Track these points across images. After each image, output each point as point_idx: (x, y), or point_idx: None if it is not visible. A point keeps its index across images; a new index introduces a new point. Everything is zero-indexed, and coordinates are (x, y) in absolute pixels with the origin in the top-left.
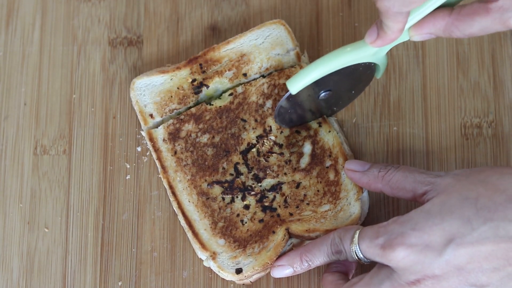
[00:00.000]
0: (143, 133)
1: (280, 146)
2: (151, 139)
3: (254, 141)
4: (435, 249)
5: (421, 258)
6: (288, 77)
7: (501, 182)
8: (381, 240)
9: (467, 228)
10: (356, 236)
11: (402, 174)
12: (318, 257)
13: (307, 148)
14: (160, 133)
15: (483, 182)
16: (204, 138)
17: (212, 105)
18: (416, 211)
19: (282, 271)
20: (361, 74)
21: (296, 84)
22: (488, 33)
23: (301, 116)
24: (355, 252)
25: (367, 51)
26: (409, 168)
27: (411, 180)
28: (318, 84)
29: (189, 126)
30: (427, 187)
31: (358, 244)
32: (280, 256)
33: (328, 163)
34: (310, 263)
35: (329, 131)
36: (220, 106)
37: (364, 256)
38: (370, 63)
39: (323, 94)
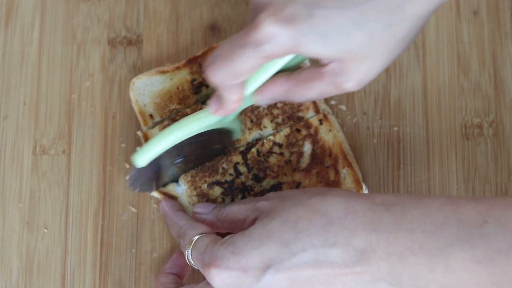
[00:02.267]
0: (139, 134)
1: (280, 146)
2: (147, 140)
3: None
4: (252, 274)
5: (238, 283)
6: None
7: (322, 204)
8: (205, 257)
9: (286, 252)
10: (195, 240)
11: (234, 207)
12: (172, 228)
13: (307, 147)
14: (155, 134)
15: (304, 204)
16: None
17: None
18: (239, 235)
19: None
20: (216, 138)
21: (142, 158)
22: (326, 97)
23: (161, 177)
24: (187, 256)
25: (214, 118)
26: (241, 201)
27: (241, 210)
28: (170, 152)
29: None
30: (255, 213)
31: (191, 250)
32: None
33: (328, 163)
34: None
35: (330, 130)
36: None
37: (193, 263)
38: (220, 128)
39: (178, 161)
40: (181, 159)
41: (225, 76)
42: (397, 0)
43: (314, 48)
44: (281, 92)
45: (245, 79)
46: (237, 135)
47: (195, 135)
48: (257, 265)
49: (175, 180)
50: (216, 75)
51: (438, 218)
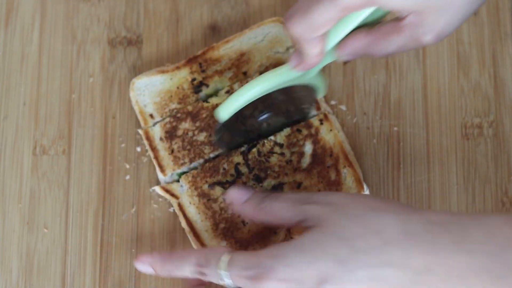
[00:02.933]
0: (140, 132)
1: (281, 146)
2: (148, 138)
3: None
4: (309, 286)
5: None
6: None
7: (378, 222)
8: (251, 272)
9: (342, 269)
10: (225, 260)
11: (279, 204)
12: (179, 271)
13: (308, 147)
14: (157, 132)
15: (359, 220)
16: (201, 136)
17: (209, 102)
18: (290, 245)
19: (144, 267)
20: (299, 95)
21: (225, 111)
22: (405, 51)
23: (243, 137)
24: (221, 277)
25: (295, 74)
26: (286, 197)
27: (287, 209)
28: (255, 106)
29: (185, 124)
30: (301, 217)
31: (228, 270)
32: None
33: (329, 163)
34: (170, 273)
35: (331, 130)
36: (217, 104)
37: (232, 282)
38: (304, 86)
39: (263, 116)
40: (265, 115)
41: (305, 28)
42: None
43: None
44: (361, 46)
45: (324, 32)
46: (321, 93)
47: (278, 90)
48: (312, 279)
49: (262, 137)
50: (296, 28)
51: (500, 239)
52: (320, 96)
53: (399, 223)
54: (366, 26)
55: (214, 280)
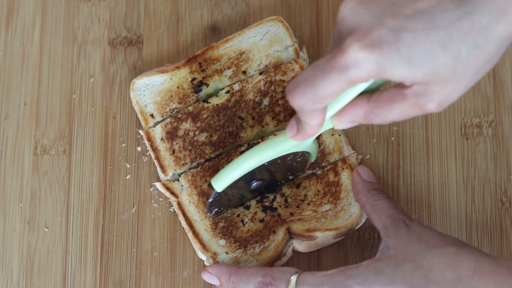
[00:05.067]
0: (141, 133)
1: None
2: (149, 138)
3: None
4: None
5: None
6: (284, 73)
7: (455, 258)
8: None
9: None
10: (294, 280)
11: (387, 204)
12: (244, 285)
13: None
14: (158, 132)
15: (438, 253)
16: (202, 137)
17: (209, 103)
18: (367, 267)
19: (210, 278)
20: (292, 162)
21: (221, 183)
22: (407, 118)
23: (236, 202)
24: None
25: (291, 143)
26: (393, 203)
27: (388, 213)
28: (248, 176)
29: (186, 125)
30: (389, 231)
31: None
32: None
33: (328, 167)
34: (235, 286)
35: (332, 134)
36: (217, 104)
37: None
38: (298, 152)
39: (255, 184)
40: (259, 183)
41: (308, 100)
42: (484, 21)
43: (400, 72)
44: (361, 114)
45: (327, 104)
46: (313, 158)
47: (273, 159)
48: None
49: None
50: (300, 100)
51: None
52: (312, 160)
53: (474, 263)
54: (366, 93)
55: None
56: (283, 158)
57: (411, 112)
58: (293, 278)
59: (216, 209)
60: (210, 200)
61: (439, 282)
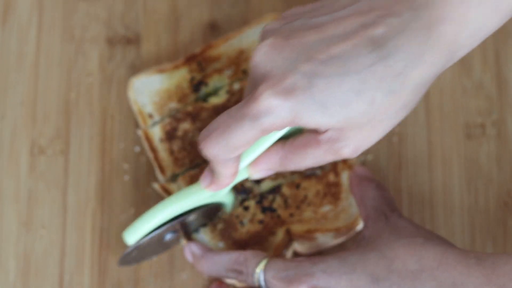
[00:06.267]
0: (140, 133)
1: None
2: (148, 139)
3: None
4: None
5: None
6: None
7: (422, 248)
8: (288, 273)
9: (373, 286)
10: (264, 263)
11: (374, 195)
12: (215, 267)
13: None
14: (157, 133)
15: (405, 243)
16: None
17: (209, 102)
18: (334, 256)
19: (188, 255)
20: (207, 212)
21: (132, 236)
22: (322, 164)
23: (152, 253)
24: (258, 279)
25: (206, 194)
26: (380, 194)
27: (373, 204)
28: (162, 228)
29: (185, 125)
30: (368, 223)
31: (264, 271)
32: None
33: (328, 167)
34: (206, 269)
35: None
36: (217, 104)
37: (265, 285)
38: (212, 204)
39: (169, 236)
40: (171, 235)
41: (221, 150)
42: (399, 67)
43: (314, 119)
44: (275, 161)
45: (240, 153)
46: (228, 209)
47: (187, 210)
48: None
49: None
50: (212, 149)
51: None
52: (229, 211)
53: (439, 254)
54: (280, 140)
55: (249, 280)
56: (198, 209)
57: (326, 157)
58: (263, 262)
59: (132, 260)
60: (126, 252)
61: (400, 273)
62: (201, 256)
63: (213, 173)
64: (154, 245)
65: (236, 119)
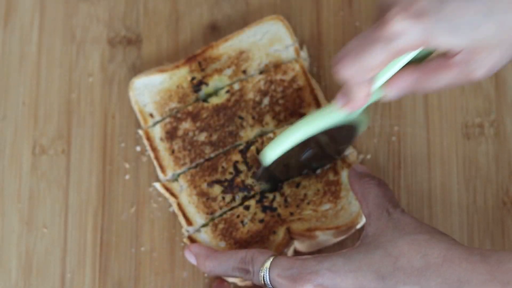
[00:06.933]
0: (141, 133)
1: None
2: (148, 138)
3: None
4: None
5: None
6: (284, 72)
7: (427, 244)
8: (293, 271)
9: (378, 284)
10: (269, 261)
11: (376, 192)
12: (221, 267)
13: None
14: (157, 132)
15: (409, 240)
16: (202, 137)
17: (209, 102)
18: (339, 254)
19: (189, 257)
20: (341, 134)
21: (271, 154)
22: (454, 86)
23: (286, 174)
24: (263, 277)
25: (340, 114)
26: (382, 191)
27: (375, 201)
28: (298, 147)
29: (186, 125)
30: (371, 219)
31: (269, 269)
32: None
33: (327, 166)
34: (211, 268)
35: None
36: (217, 104)
37: (270, 284)
38: (346, 124)
39: (307, 153)
40: (307, 153)
41: (356, 71)
42: None
43: (445, 41)
44: (409, 83)
45: (375, 74)
46: (363, 128)
47: (321, 132)
48: (349, 287)
49: (302, 173)
50: (347, 71)
51: None
52: (361, 132)
53: (444, 251)
54: (412, 63)
55: (255, 278)
56: (332, 130)
57: (457, 80)
58: (268, 261)
59: (264, 181)
60: (257, 173)
61: (406, 270)
62: (206, 256)
63: (347, 94)
64: (292, 163)
65: (369, 42)
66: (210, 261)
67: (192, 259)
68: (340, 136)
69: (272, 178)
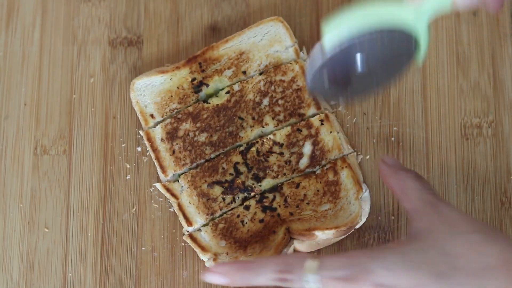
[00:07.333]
0: (141, 133)
1: (281, 145)
2: (149, 139)
3: (252, 140)
4: None
5: None
6: (284, 73)
7: (482, 245)
8: (347, 272)
9: (437, 283)
10: (314, 264)
11: (416, 185)
12: (256, 278)
13: (307, 148)
14: (158, 133)
15: (465, 240)
16: (202, 137)
17: (209, 103)
18: (390, 250)
19: (217, 278)
20: (398, 47)
21: (330, 37)
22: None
23: (337, 85)
24: (308, 282)
25: (406, 13)
26: (421, 183)
27: (417, 195)
28: (355, 49)
29: (186, 125)
30: (417, 214)
31: (318, 272)
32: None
33: (327, 165)
34: (247, 281)
35: (330, 132)
36: (217, 105)
37: (321, 287)
38: (408, 34)
39: (360, 65)
40: (362, 64)
41: None
42: None
43: None
44: None
45: None
46: (421, 50)
47: (380, 34)
48: (407, 286)
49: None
50: None
51: None
52: (419, 54)
53: (502, 253)
54: None
55: (298, 285)
56: (390, 37)
57: None
58: (312, 262)
59: (318, 86)
60: (313, 71)
61: (465, 269)
62: (236, 269)
63: None
64: (345, 71)
65: None
66: (243, 273)
67: (220, 279)
68: (397, 47)
69: (330, 85)
